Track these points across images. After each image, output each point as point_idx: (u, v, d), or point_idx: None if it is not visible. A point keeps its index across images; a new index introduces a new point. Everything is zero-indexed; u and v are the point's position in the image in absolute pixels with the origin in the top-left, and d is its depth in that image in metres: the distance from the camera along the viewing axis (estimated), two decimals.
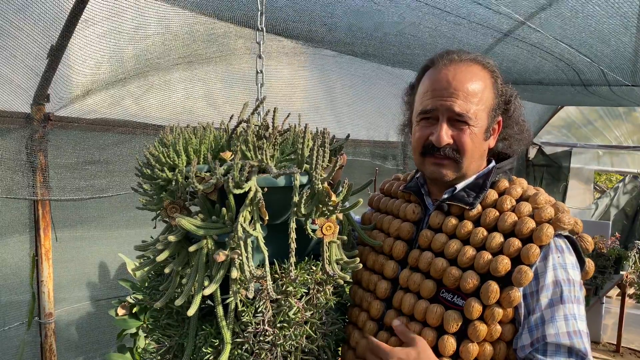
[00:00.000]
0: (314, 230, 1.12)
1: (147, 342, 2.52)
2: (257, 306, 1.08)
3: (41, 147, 2.25)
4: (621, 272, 5.01)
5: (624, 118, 6.06)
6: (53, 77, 2.14)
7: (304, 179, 1.09)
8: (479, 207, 1.22)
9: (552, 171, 6.66)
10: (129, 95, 2.52)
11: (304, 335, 1.12)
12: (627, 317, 5.38)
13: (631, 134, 6.19)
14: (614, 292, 6.25)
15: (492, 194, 1.23)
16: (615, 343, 5.27)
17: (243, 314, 1.08)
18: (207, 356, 1.11)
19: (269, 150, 1.12)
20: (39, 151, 2.24)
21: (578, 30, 2.35)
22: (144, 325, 2.47)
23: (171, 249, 1.13)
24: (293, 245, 1.06)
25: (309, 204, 1.09)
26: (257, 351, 1.08)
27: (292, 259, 1.07)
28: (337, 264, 1.16)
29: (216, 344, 1.11)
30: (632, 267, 5.30)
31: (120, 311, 2.48)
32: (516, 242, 1.12)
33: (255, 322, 1.08)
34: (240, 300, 1.08)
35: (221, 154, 1.15)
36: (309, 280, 1.13)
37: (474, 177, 1.27)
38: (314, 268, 1.16)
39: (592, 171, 6.99)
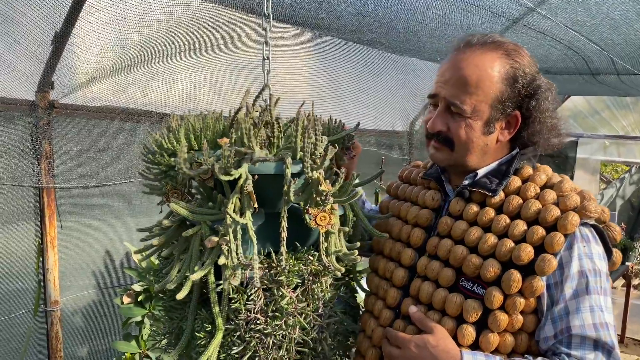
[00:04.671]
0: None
1: (150, 325, 2.53)
2: (249, 294, 1.07)
3: (46, 135, 2.24)
4: (626, 263, 4.99)
5: (632, 108, 6.01)
6: (57, 64, 2.13)
7: (298, 167, 1.07)
8: (501, 194, 1.18)
9: (558, 161, 6.62)
10: (134, 83, 2.50)
11: (297, 327, 1.10)
12: (632, 308, 5.37)
13: (638, 124, 6.14)
14: (619, 282, 6.23)
15: (515, 181, 1.18)
16: (619, 334, 5.27)
17: (232, 301, 1.07)
18: (200, 340, 1.11)
19: (254, 138, 1.08)
20: (43, 139, 2.23)
21: (589, 17, 2.31)
22: (150, 313, 2.48)
23: (170, 233, 1.15)
24: (284, 234, 1.05)
25: (302, 193, 1.07)
26: (247, 339, 1.07)
27: (283, 248, 1.06)
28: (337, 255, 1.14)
29: (209, 329, 1.11)
30: (637, 258, 5.28)
31: (126, 299, 2.49)
32: (540, 230, 1.08)
33: (246, 310, 1.07)
34: (235, 287, 1.07)
35: (218, 140, 1.14)
36: (304, 271, 1.11)
37: (496, 163, 1.23)
38: (312, 258, 1.13)
39: (599, 161, 6.95)
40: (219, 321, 1.07)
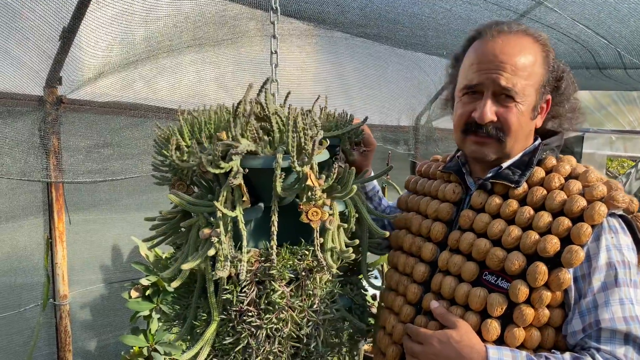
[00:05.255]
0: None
1: (158, 319, 2.54)
2: (242, 286, 1.07)
3: (54, 130, 2.25)
4: None
5: (638, 103, 5.97)
6: (65, 59, 2.14)
7: (288, 162, 1.06)
8: (524, 186, 1.15)
9: None
10: (141, 78, 2.51)
11: (289, 322, 1.08)
12: None
13: None
14: None
15: (539, 172, 1.16)
16: None
17: (225, 292, 1.08)
18: (196, 328, 1.14)
19: (239, 131, 1.08)
20: (52, 134, 2.24)
21: (596, 10, 2.30)
22: (157, 307, 2.49)
23: (173, 224, 1.18)
24: (273, 229, 1.05)
25: (294, 188, 1.06)
26: (239, 330, 1.07)
27: (273, 242, 1.06)
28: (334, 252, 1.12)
29: (204, 317, 1.13)
30: None
31: (134, 293, 2.51)
32: (566, 222, 1.05)
33: (238, 302, 1.07)
34: (229, 279, 1.08)
35: (217, 134, 1.14)
36: (298, 266, 1.09)
37: (519, 154, 1.21)
38: (307, 254, 1.11)
39: (605, 157, 6.91)
40: (214, 310, 1.08)
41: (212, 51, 2.66)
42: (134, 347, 2.47)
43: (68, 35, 2.05)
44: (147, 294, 2.51)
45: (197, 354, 1.08)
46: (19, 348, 2.39)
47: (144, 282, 2.50)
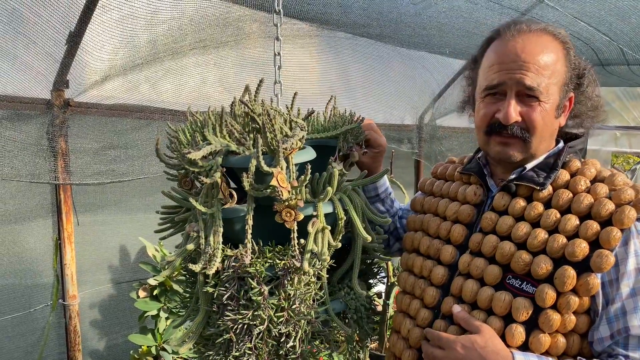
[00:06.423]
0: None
1: (166, 319, 2.57)
2: (225, 281, 1.09)
3: (62, 133, 2.28)
4: None
5: None
6: (72, 63, 2.17)
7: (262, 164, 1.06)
8: (549, 188, 1.13)
9: None
10: (146, 80, 2.54)
11: (265, 319, 1.08)
12: None
13: None
14: None
15: (564, 174, 1.13)
16: None
17: (205, 285, 1.11)
18: (189, 318, 1.19)
19: (210, 129, 1.11)
20: (59, 136, 2.28)
21: (597, 8, 2.31)
22: (165, 306, 2.52)
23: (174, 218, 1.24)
24: (247, 227, 1.07)
25: (261, 187, 1.06)
26: (219, 323, 1.10)
27: (247, 241, 1.08)
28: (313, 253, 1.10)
29: (195, 308, 1.17)
30: None
31: (142, 293, 2.54)
32: (594, 225, 1.03)
33: (219, 295, 1.09)
34: (217, 273, 1.10)
35: (207, 134, 1.16)
36: (277, 265, 1.09)
37: (543, 156, 1.18)
38: (288, 253, 1.10)
39: (610, 153, 6.90)
40: (202, 301, 1.12)
41: (216, 53, 2.68)
42: (142, 346, 2.51)
43: (74, 39, 2.08)
44: (154, 293, 2.54)
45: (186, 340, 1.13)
46: (30, 348, 2.43)
47: (152, 282, 2.53)
